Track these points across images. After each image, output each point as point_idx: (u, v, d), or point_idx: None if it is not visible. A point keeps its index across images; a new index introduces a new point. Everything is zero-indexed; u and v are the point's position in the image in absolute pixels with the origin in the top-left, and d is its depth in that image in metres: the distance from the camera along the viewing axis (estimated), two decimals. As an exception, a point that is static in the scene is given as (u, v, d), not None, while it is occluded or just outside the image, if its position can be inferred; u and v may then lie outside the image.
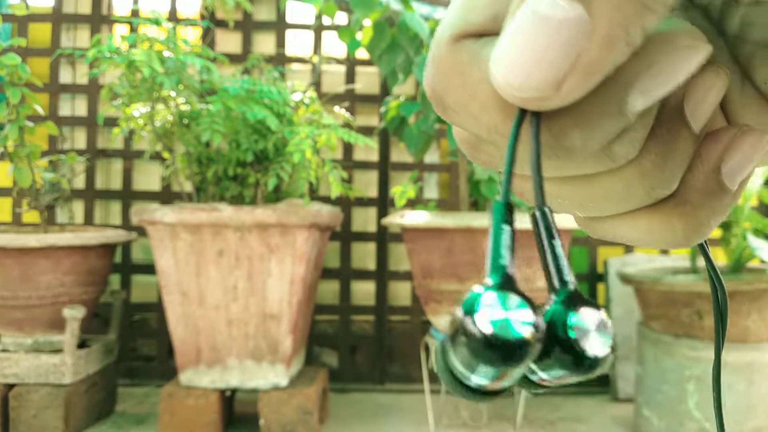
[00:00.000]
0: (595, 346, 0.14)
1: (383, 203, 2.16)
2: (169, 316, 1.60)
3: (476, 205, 1.70)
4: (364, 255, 2.23)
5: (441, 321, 1.57)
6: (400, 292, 2.19)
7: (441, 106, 0.17)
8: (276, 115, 1.60)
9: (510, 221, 0.15)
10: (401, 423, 1.79)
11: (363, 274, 2.17)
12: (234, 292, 1.57)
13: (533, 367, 0.14)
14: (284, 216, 1.53)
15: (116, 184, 2.22)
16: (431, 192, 2.19)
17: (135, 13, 2.13)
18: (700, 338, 1.61)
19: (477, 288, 0.14)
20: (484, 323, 0.13)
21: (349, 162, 2.16)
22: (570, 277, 0.15)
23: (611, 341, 0.14)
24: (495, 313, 0.13)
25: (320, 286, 1.91)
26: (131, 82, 1.59)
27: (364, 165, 2.19)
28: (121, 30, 2.19)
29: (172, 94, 1.64)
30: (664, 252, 2.21)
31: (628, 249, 2.20)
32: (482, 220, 1.42)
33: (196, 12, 2.20)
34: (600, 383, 2.15)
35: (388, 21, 1.62)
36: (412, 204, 2.07)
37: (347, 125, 1.90)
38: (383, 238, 2.15)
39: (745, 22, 0.17)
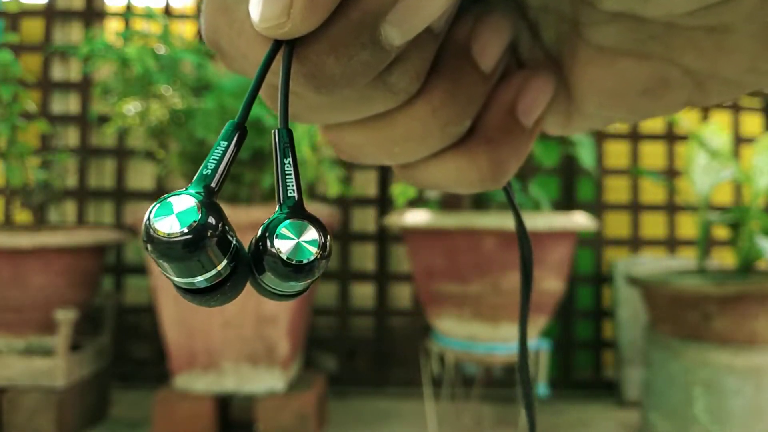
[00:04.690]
0: (299, 253, 0.14)
1: (383, 203, 2.13)
2: (163, 319, 1.57)
3: (479, 205, 1.67)
4: (364, 256, 2.21)
5: (443, 324, 1.54)
6: (401, 294, 2.16)
7: (219, 52, 0.17)
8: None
9: (233, 140, 0.16)
10: (402, 428, 1.76)
11: (362, 276, 2.14)
12: (229, 294, 1.55)
13: (262, 279, 0.15)
14: (281, 216, 1.50)
15: (108, 182, 2.19)
16: (432, 191, 2.17)
17: (129, 8, 2.10)
18: (707, 342, 1.59)
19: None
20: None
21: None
22: (294, 193, 0.15)
23: (319, 250, 0.14)
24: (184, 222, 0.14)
25: (318, 288, 1.89)
26: (124, 78, 1.56)
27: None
28: (114, 25, 2.16)
29: (166, 91, 1.61)
30: (671, 252, 2.18)
31: (635, 250, 2.17)
32: (485, 220, 1.39)
33: (192, 5, 2.16)
34: (606, 387, 2.12)
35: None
36: (412, 204, 2.04)
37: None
38: (383, 238, 2.13)
39: None
